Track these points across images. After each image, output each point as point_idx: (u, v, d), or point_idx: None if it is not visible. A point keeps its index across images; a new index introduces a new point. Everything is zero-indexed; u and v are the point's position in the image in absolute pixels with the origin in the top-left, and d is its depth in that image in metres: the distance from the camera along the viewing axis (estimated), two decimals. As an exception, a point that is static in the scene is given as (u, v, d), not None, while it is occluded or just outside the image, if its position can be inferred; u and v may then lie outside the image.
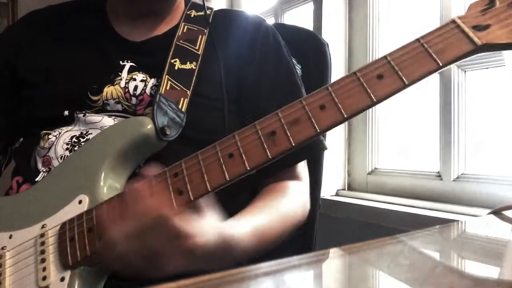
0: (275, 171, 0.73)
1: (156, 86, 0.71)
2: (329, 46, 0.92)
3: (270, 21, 1.77)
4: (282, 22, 1.74)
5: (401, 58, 0.49)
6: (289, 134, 0.50)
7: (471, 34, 0.48)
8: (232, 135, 0.52)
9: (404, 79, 0.48)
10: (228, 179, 0.51)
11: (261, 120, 0.52)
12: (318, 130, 0.50)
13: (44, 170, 0.69)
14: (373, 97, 0.49)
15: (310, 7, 1.55)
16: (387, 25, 1.39)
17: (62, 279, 0.57)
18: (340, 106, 0.49)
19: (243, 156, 0.51)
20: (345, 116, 0.49)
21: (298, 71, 0.93)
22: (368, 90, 0.49)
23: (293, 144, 0.50)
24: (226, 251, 0.55)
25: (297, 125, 0.50)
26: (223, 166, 0.52)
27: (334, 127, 0.50)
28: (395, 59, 0.49)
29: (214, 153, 0.53)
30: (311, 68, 0.92)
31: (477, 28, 0.49)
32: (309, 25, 1.51)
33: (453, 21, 0.50)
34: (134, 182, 0.57)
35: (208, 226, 0.54)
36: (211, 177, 0.52)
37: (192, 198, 0.52)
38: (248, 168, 0.51)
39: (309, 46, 0.93)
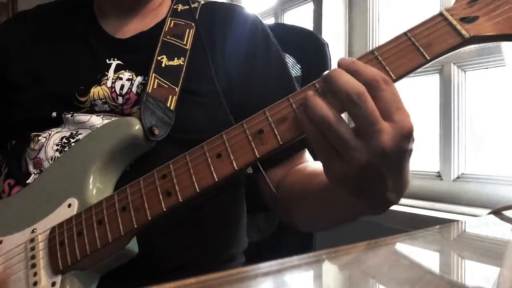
0: (286, 158, 0.72)
1: (143, 85, 0.70)
2: (329, 46, 0.92)
3: (270, 21, 1.77)
4: (282, 22, 1.74)
5: (388, 52, 0.48)
6: (276, 133, 0.49)
7: (458, 26, 0.47)
8: (219, 134, 0.52)
9: (392, 74, 0.47)
10: (217, 179, 0.51)
11: (249, 118, 0.51)
12: None
13: (35, 172, 0.69)
14: None
15: (310, 7, 1.55)
16: (387, 25, 1.39)
17: (53, 284, 0.57)
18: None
19: (231, 156, 0.51)
20: None
21: (298, 70, 0.93)
22: None
23: (281, 143, 0.49)
24: None
25: (284, 123, 0.49)
26: (211, 167, 0.51)
27: None
28: (382, 53, 0.48)
29: (202, 154, 0.52)
30: (311, 68, 0.92)
31: (464, 20, 0.48)
32: (309, 25, 1.51)
33: (441, 14, 0.49)
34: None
35: None
36: (200, 178, 0.52)
37: (180, 200, 0.52)
38: (236, 168, 0.50)
39: (309, 46, 0.93)
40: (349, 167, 0.45)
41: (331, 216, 0.63)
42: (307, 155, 0.75)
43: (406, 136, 0.44)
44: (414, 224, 1.08)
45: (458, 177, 1.13)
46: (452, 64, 1.14)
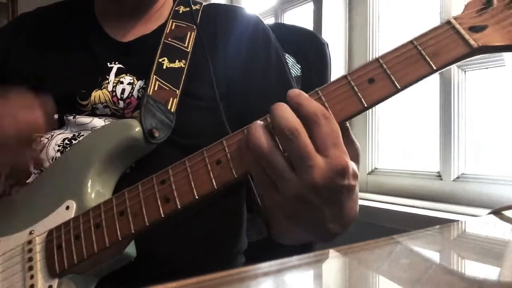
0: None
1: (144, 88, 0.69)
2: (329, 46, 0.92)
3: (270, 21, 1.77)
4: (282, 22, 1.74)
5: (393, 61, 0.47)
6: (277, 140, 0.48)
7: (467, 36, 0.46)
8: (220, 141, 0.51)
9: (397, 83, 0.46)
10: (216, 187, 0.50)
11: (250, 125, 0.50)
12: None
13: (35, 172, 0.69)
14: (364, 102, 0.47)
15: (310, 7, 1.55)
16: (387, 25, 1.39)
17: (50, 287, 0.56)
18: (330, 112, 0.47)
19: (231, 163, 0.49)
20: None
21: (297, 70, 0.93)
22: (359, 95, 0.47)
23: (281, 151, 0.48)
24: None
25: None
26: (211, 173, 0.50)
27: None
28: (387, 62, 0.47)
29: (201, 160, 0.51)
30: (311, 68, 0.92)
31: (473, 29, 0.46)
32: (309, 25, 1.51)
33: (448, 22, 0.47)
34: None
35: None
36: (199, 184, 0.51)
37: (179, 206, 0.51)
38: (236, 176, 0.49)
39: (309, 46, 0.93)
40: (282, 197, 0.47)
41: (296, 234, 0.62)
42: None
43: (339, 172, 0.44)
44: (414, 224, 1.08)
45: (458, 177, 1.13)
46: (452, 64, 1.14)
